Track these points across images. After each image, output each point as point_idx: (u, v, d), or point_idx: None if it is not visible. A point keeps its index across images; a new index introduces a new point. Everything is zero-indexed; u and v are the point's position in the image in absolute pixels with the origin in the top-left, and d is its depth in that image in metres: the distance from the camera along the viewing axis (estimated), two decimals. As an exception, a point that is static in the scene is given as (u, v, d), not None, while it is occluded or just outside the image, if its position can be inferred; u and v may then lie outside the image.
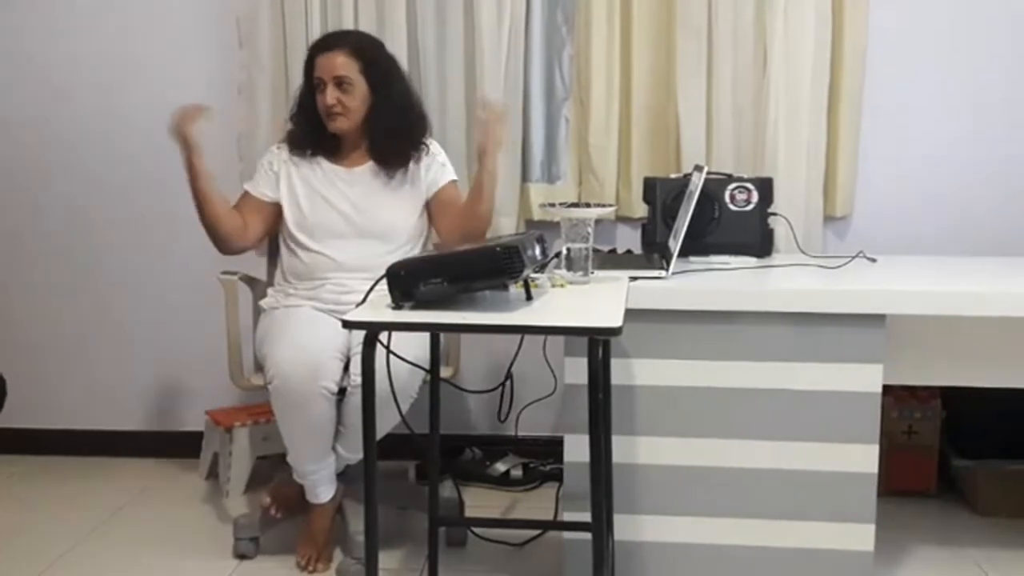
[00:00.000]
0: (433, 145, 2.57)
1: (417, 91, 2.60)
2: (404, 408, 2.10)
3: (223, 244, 2.46)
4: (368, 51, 2.46)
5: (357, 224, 2.46)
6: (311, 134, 2.50)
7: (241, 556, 2.46)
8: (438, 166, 2.53)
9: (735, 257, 2.48)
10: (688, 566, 2.16)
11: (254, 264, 2.98)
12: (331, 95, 2.41)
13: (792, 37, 2.78)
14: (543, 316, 1.61)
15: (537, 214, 2.96)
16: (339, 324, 2.35)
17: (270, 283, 2.65)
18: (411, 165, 2.50)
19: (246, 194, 2.54)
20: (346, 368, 2.32)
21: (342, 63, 2.41)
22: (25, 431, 3.19)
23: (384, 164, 2.48)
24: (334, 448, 2.35)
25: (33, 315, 3.18)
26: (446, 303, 1.65)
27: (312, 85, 2.47)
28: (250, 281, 2.70)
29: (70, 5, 3.03)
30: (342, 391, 2.28)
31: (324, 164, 2.51)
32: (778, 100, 2.80)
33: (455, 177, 2.57)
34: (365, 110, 2.45)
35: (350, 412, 2.28)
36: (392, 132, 2.44)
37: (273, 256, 2.67)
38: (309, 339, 2.28)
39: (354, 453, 2.36)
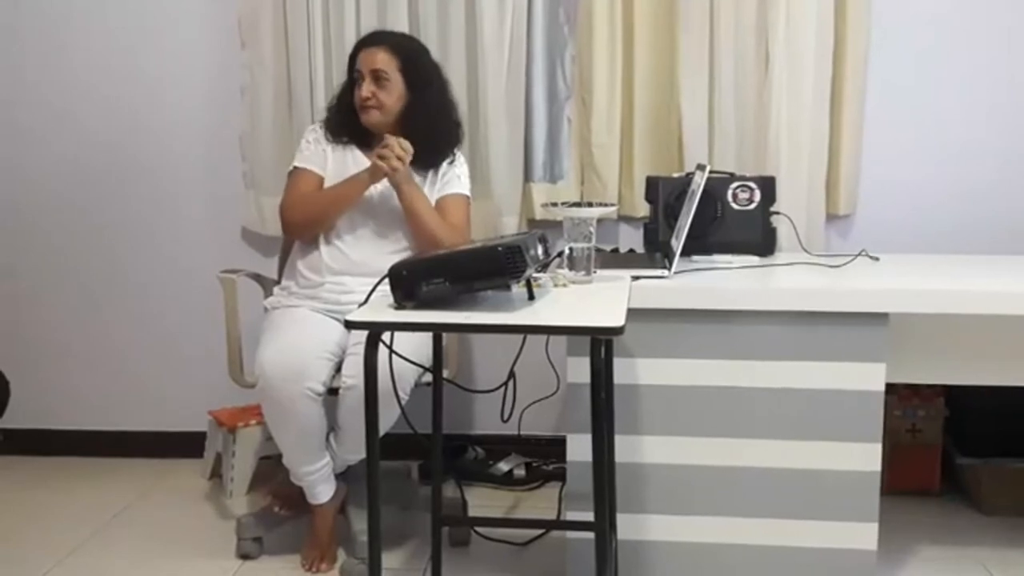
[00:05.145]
0: (459, 156, 2.57)
1: (455, 101, 2.60)
2: (395, 408, 2.10)
3: (318, 230, 2.47)
4: (409, 51, 2.49)
5: (375, 217, 2.47)
6: (346, 125, 2.52)
7: (244, 556, 2.46)
8: (453, 175, 2.53)
9: (738, 256, 2.47)
10: (691, 565, 2.16)
11: (259, 263, 3.00)
12: (367, 88, 2.44)
13: (794, 35, 2.78)
14: (545, 316, 1.61)
15: (539, 214, 2.96)
16: (333, 324, 2.38)
17: (278, 281, 2.66)
18: (433, 169, 2.51)
19: (306, 173, 2.51)
20: (338, 369, 2.32)
21: (382, 58, 2.44)
22: (28, 432, 3.19)
23: (411, 164, 2.48)
24: (330, 448, 2.35)
25: (36, 316, 3.19)
26: (448, 303, 1.65)
27: (353, 78, 2.49)
28: (260, 279, 2.71)
29: (71, 6, 3.04)
30: (335, 391, 2.28)
31: (356, 153, 2.52)
32: (780, 98, 2.79)
33: (466, 193, 2.55)
34: (400, 108, 2.46)
35: (343, 413, 2.28)
36: (423, 134, 2.43)
37: (284, 254, 2.68)
38: (296, 340, 2.29)
39: (351, 454, 2.36)
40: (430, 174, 2.51)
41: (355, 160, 2.51)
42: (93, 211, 3.13)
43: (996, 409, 2.72)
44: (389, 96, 2.45)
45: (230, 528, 2.55)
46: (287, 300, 2.50)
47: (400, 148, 2.33)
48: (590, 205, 1.93)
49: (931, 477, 2.81)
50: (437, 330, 1.98)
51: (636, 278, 2.08)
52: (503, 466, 2.98)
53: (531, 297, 1.73)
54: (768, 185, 2.54)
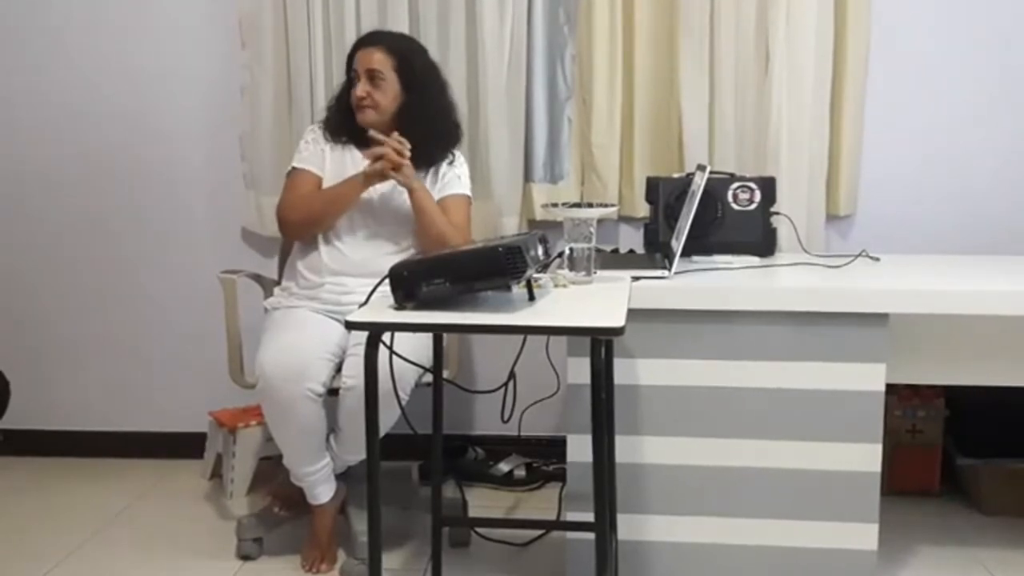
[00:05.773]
0: (458, 156, 2.57)
1: (454, 101, 2.59)
2: (395, 408, 2.10)
3: (315, 231, 2.47)
4: (405, 51, 2.49)
5: (375, 218, 2.47)
6: (345, 125, 2.52)
7: (245, 557, 2.46)
8: (453, 176, 2.52)
9: (738, 256, 2.47)
10: (691, 565, 2.16)
11: (259, 263, 3.00)
12: (362, 88, 2.44)
13: (794, 35, 2.78)
14: (546, 316, 1.61)
15: (540, 214, 2.96)
16: (334, 325, 2.38)
17: (278, 282, 2.66)
18: (432, 170, 2.51)
19: (304, 174, 2.51)
20: (339, 369, 2.32)
21: (378, 58, 2.44)
22: (29, 432, 3.19)
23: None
24: (330, 449, 2.35)
25: (36, 317, 3.19)
26: (449, 304, 1.65)
27: (350, 78, 2.50)
28: (260, 280, 2.72)
29: (71, 6, 3.04)
30: (335, 392, 2.28)
31: (355, 153, 2.52)
32: (780, 99, 2.80)
33: (467, 193, 2.54)
34: (395, 107, 2.46)
35: (343, 413, 2.28)
36: (419, 134, 2.42)
37: (284, 254, 2.68)
38: (296, 340, 2.29)
39: (351, 454, 2.36)
40: (429, 174, 2.51)
41: (353, 160, 2.51)
42: (93, 211, 3.12)
43: (996, 409, 2.73)
44: (384, 96, 2.45)
45: (230, 529, 2.55)
46: (287, 301, 2.50)
47: (396, 154, 2.32)
48: (590, 206, 1.93)
49: (931, 477, 2.81)
50: (437, 330, 1.98)
51: (636, 278, 2.08)
52: (503, 466, 2.97)
53: (531, 298, 1.73)
54: (768, 185, 2.54)
